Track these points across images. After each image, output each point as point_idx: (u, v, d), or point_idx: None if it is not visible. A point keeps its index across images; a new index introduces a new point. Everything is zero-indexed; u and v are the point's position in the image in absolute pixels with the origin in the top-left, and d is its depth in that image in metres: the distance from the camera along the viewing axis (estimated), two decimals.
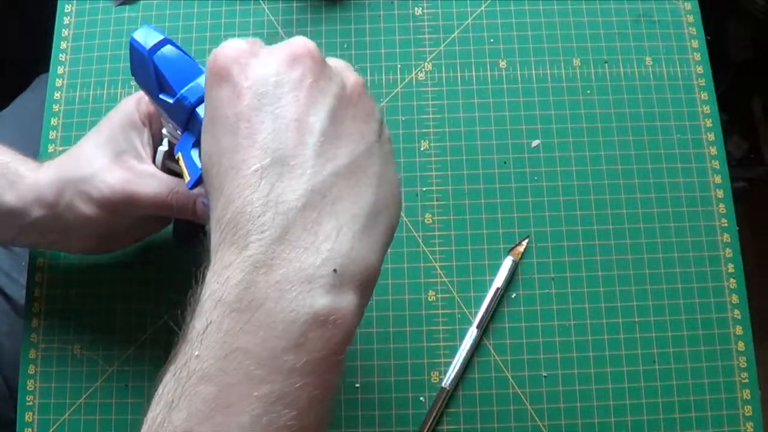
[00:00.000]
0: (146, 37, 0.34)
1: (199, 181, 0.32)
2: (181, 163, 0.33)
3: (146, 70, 0.34)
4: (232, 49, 0.30)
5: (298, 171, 0.27)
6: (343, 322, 0.26)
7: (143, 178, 0.40)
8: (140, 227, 0.46)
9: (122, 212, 0.41)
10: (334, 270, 0.26)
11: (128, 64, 0.56)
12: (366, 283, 0.28)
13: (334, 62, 0.31)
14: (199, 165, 0.32)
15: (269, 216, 0.26)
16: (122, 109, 0.43)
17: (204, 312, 0.26)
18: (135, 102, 0.43)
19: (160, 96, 0.34)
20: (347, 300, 0.26)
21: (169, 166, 0.41)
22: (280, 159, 0.27)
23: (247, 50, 0.30)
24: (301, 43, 0.30)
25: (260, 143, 0.27)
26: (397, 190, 0.31)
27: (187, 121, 0.33)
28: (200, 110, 0.33)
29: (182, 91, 0.33)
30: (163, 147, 0.41)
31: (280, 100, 0.28)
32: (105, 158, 0.41)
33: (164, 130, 0.40)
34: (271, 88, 0.28)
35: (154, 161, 0.42)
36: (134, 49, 0.34)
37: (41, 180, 0.41)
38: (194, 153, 0.32)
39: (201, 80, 0.33)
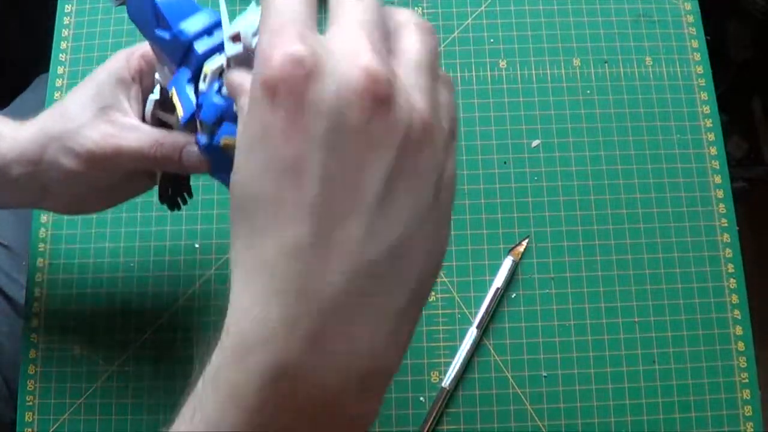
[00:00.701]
0: None
1: (192, 117, 0.32)
2: (175, 98, 0.32)
3: (143, 6, 0.34)
4: (299, 53, 0.22)
5: (342, 250, 0.22)
6: (366, 429, 0.24)
7: (127, 131, 0.39)
8: (126, 185, 0.43)
9: (106, 167, 0.39)
10: (363, 379, 0.22)
11: None
12: (387, 384, 0.24)
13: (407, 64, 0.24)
14: (193, 100, 0.32)
15: (298, 313, 0.21)
16: (110, 65, 0.41)
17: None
18: (125, 57, 0.41)
19: (157, 32, 0.33)
20: (373, 408, 0.24)
21: (159, 115, 0.39)
22: (324, 232, 0.21)
23: (321, 58, 0.22)
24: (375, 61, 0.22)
25: (308, 204, 0.21)
26: (441, 263, 0.26)
27: (183, 56, 0.33)
28: (197, 45, 0.32)
29: (179, 26, 0.32)
30: (154, 95, 0.39)
31: (345, 146, 0.22)
32: (89, 112, 0.39)
33: (156, 75, 0.39)
34: (341, 126, 0.21)
35: (143, 118, 0.41)
36: None
37: (23, 137, 0.40)
38: (189, 88, 0.32)
39: (199, 16, 0.33)
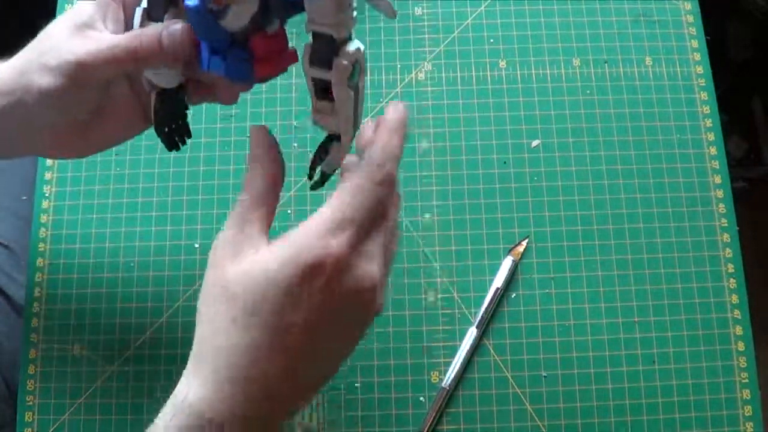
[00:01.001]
0: None
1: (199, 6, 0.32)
2: None
3: None
4: (340, 248, 0.30)
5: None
6: None
7: (101, 37, 0.37)
8: (110, 110, 0.41)
9: (83, 77, 0.37)
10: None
11: None
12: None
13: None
14: None
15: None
16: None
17: None
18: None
19: None
20: None
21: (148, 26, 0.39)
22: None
23: (353, 250, 0.31)
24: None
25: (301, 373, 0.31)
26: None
27: None
28: None
29: None
30: (142, 5, 0.38)
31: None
32: (65, 31, 0.38)
33: None
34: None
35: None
36: None
37: (1, 69, 0.39)
38: None
39: None
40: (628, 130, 0.55)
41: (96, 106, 0.40)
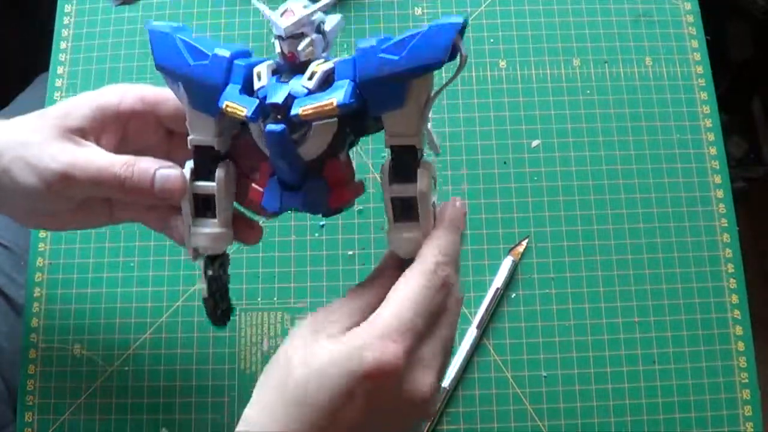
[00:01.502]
0: (161, 24, 0.35)
1: (259, 108, 0.31)
2: (231, 107, 0.32)
3: (172, 47, 0.34)
4: (396, 355, 0.30)
5: None
6: None
7: (91, 152, 0.35)
8: (85, 213, 0.39)
9: (66, 191, 0.35)
10: None
11: (128, 65, 0.57)
12: None
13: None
14: (255, 99, 0.32)
15: None
16: (98, 91, 0.38)
17: None
18: (120, 90, 0.38)
19: (193, 64, 0.33)
20: None
21: (195, 188, 0.36)
22: None
23: (409, 357, 0.31)
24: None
25: None
26: None
27: (227, 73, 0.33)
28: (238, 61, 0.33)
29: (215, 51, 0.33)
30: (189, 163, 0.36)
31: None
32: (54, 130, 0.35)
33: (189, 139, 0.35)
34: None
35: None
36: (156, 32, 0.34)
37: None
38: (244, 96, 0.32)
39: (223, 46, 0.34)
40: (628, 130, 0.55)
41: (74, 206, 0.38)
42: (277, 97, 0.31)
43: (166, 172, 0.35)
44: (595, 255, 0.52)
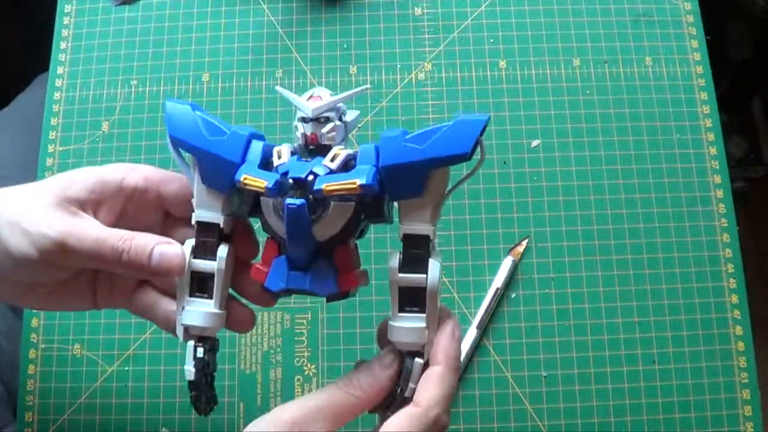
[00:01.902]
0: (178, 102, 0.35)
1: (278, 183, 0.32)
2: (250, 180, 0.32)
3: (189, 123, 0.34)
4: None
5: None
6: None
7: (89, 223, 0.34)
8: (67, 294, 0.38)
9: (59, 260, 0.34)
10: None
11: (128, 65, 0.57)
12: None
13: None
14: (276, 174, 0.32)
15: None
16: (102, 167, 0.37)
17: None
18: (125, 167, 0.37)
19: (210, 139, 0.34)
20: None
21: (196, 267, 0.35)
22: None
23: None
24: None
25: None
26: None
27: (245, 151, 0.33)
28: (254, 143, 0.34)
29: (233, 129, 0.34)
30: (190, 241, 0.35)
31: None
32: (51, 198, 0.34)
33: (195, 215, 0.35)
34: None
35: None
36: (174, 110, 0.35)
37: None
38: (262, 171, 0.32)
39: (240, 128, 0.34)
40: (628, 130, 0.55)
41: (66, 279, 0.37)
42: (300, 173, 0.32)
43: (165, 248, 0.34)
44: (595, 255, 0.52)
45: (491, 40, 0.57)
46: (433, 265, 0.33)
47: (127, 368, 0.51)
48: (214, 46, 0.57)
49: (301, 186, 0.32)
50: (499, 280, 0.51)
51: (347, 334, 0.51)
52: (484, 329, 0.51)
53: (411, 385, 0.33)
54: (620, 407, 0.49)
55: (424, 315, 0.33)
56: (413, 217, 0.33)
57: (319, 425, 0.32)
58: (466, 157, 0.32)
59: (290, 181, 0.32)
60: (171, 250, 0.34)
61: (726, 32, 1.10)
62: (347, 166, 0.33)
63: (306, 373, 0.51)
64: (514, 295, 0.52)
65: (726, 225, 0.53)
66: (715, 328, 0.51)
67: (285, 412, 0.32)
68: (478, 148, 0.32)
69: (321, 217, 0.33)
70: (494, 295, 0.51)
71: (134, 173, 0.37)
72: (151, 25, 0.58)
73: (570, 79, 0.56)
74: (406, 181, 0.32)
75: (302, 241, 0.33)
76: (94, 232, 0.34)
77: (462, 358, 0.50)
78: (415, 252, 0.33)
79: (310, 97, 0.34)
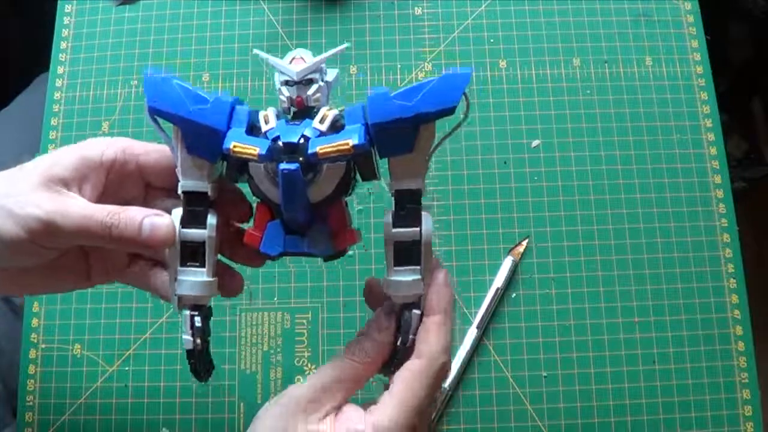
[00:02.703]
0: (156, 72, 0.35)
1: (270, 149, 0.31)
2: (239, 147, 0.32)
3: (170, 93, 0.34)
4: None
5: None
6: None
7: (76, 201, 0.34)
8: (61, 274, 0.38)
9: (48, 239, 0.34)
10: None
11: (128, 65, 0.57)
12: None
13: None
14: (267, 140, 0.32)
15: None
16: (81, 143, 0.37)
17: None
18: (104, 142, 0.37)
19: (192, 108, 0.33)
20: None
21: (185, 237, 0.35)
22: None
23: None
24: None
25: None
26: None
27: (229, 118, 0.33)
28: (240, 107, 0.34)
29: (217, 96, 0.34)
30: (177, 211, 0.35)
31: None
32: (36, 178, 0.34)
33: (180, 185, 0.35)
34: None
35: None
36: (152, 81, 0.34)
37: None
38: (251, 137, 0.33)
39: (223, 95, 0.34)
40: (628, 130, 0.55)
41: (55, 260, 0.37)
42: (293, 137, 0.32)
43: (155, 219, 0.34)
44: (595, 255, 0.52)
45: (491, 40, 0.57)
46: (426, 218, 0.34)
47: (127, 368, 0.51)
48: (214, 46, 0.57)
49: (294, 150, 0.32)
50: (499, 280, 0.51)
51: (347, 334, 0.51)
52: (484, 329, 0.51)
53: (411, 336, 0.34)
54: (620, 407, 0.49)
55: (419, 268, 0.34)
56: (404, 173, 0.33)
57: (333, 397, 0.33)
58: (454, 110, 0.32)
59: (281, 145, 0.32)
60: (160, 221, 0.34)
61: (726, 32, 1.10)
62: (336, 126, 0.33)
63: (306, 373, 0.51)
64: (514, 295, 0.52)
65: (726, 225, 0.53)
66: (716, 328, 0.51)
67: (299, 392, 0.33)
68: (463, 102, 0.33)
69: (314, 179, 0.33)
70: (494, 295, 0.51)
71: (113, 146, 0.37)
72: (151, 25, 0.58)
73: (570, 79, 0.56)
74: (396, 137, 0.32)
75: (298, 205, 0.33)
76: (81, 209, 0.34)
77: (462, 358, 0.50)
78: (408, 207, 0.34)
79: (293, 59, 0.33)
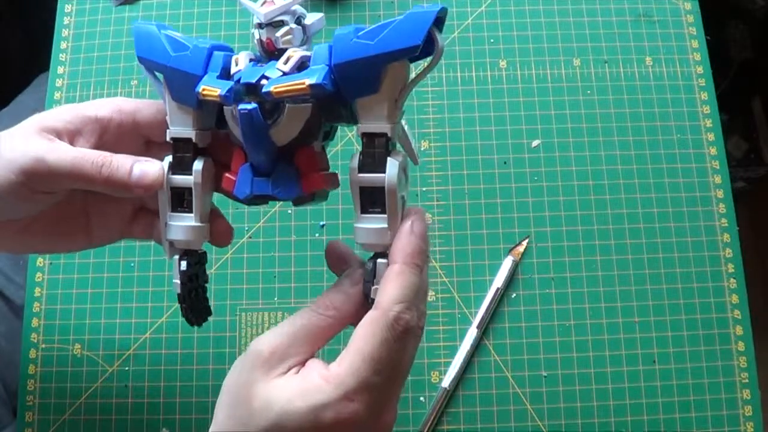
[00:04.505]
0: (144, 23, 0.36)
1: (231, 90, 0.32)
2: (208, 90, 0.32)
3: (155, 43, 0.35)
4: (356, 412, 0.31)
5: None
6: None
7: (67, 146, 0.35)
8: (61, 228, 0.39)
9: (41, 180, 0.34)
10: None
11: (128, 64, 0.57)
12: None
13: None
14: (231, 82, 0.32)
15: None
16: (80, 103, 0.38)
17: None
18: (99, 103, 0.38)
19: (173, 55, 0.34)
20: None
21: (173, 182, 0.36)
22: None
23: (370, 410, 0.31)
24: None
25: None
26: None
27: (206, 63, 0.34)
28: (217, 52, 0.34)
29: (195, 43, 0.34)
30: (168, 158, 0.36)
31: None
32: (30, 129, 0.35)
33: (169, 132, 0.36)
34: None
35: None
36: (141, 30, 0.36)
37: None
38: (219, 80, 0.33)
39: (202, 41, 0.35)
40: (628, 130, 0.55)
41: (38, 213, 0.37)
42: (251, 77, 0.32)
43: (144, 164, 0.35)
44: (595, 255, 0.52)
45: (491, 40, 0.57)
46: (391, 163, 0.32)
47: (127, 368, 0.51)
48: None
49: (254, 91, 0.32)
50: (499, 280, 0.51)
51: (347, 333, 0.51)
52: (484, 329, 0.51)
53: (374, 286, 0.33)
54: (620, 407, 0.49)
55: (385, 216, 0.33)
56: (371, 115, 0.32)
57: (297, 351, 0.32)
58: (417, 49, 0.31)
59: (242, 87, 0.32)
60: (150, 166, 0.35)
61: (726, 32, 1.10)
62: (302, 67, 0.32)
63: None
64: (514, 295, 0.52)
65: (726, 225, 0.53)
66: (716, 328, 0.51)
67: (261, 344, 0.32)
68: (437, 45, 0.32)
69: (277, 121, 0.32)
70: (494, 295, 0.51)
71: (108, 105, 0.37)
72: None
73: (570, 79, 0.56)
74: (360, 78, 0.31)
75: (260, 146, 0.33)
76: (73, 151, 0.35)
77: (462, 358, 0.50)
78: (373, 152, 0.32)
79: (264, 2, 0.33)
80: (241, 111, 0.32)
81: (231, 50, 0.35)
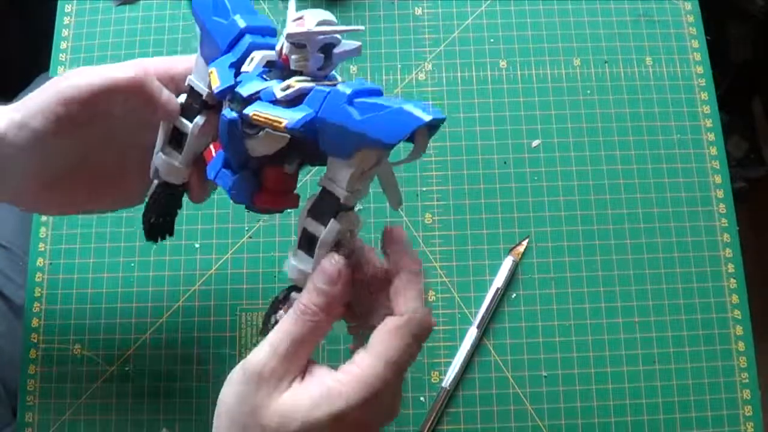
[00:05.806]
0: None
1: (226, 91, 0.33)
2: (214, 75, 0.34)
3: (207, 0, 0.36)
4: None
5: None
6: None
7: (92, 67, 0.37)
8: (97, 174, 0.40)
9: (78, 95, 0.35)
10: None
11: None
12: None
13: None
14: (232, 80, 0.34)
15: None
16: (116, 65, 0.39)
17: None
18: (130, 63, 0.38)
19: (213, 17, 0.35)
20: None
21: (176, 122, 0.38)
22: None
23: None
24: None
25: None
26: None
27: (232, 44, 0.35)
28: (248, 36, 0.35)
29: (234, 16, 0.35)
30: (182, 97, 0.38)
31: None
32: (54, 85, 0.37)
33: (188, 78, 0.38)
34: None
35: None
36: None
37: None
38: (230, 71, 0.34)
39: (254, 16, 0.36)
40: (628, 130, 0.55)
41: (80, 160, 0.39)
42: (246, 90, 0.33)
43: (170, 94, 0.38)
44: (595, 255, 0.52)
45: (491, 40, 0.57)
46: (332, 225, 0.33)
47: (127, 368, 0.51)
48: None
49: (243, 102, 0.33)
50: (499, 280, 0.51)
51: (347, 334, 0.51)
52: (484, 329, 0.51)
53: (274, 318, 0.35)
54: (620, 407, 0.49)
55: (312, 260, 0.34)
56: (333, 175, 0.33)
57: (295, 364, 0.33)
58: (390, 147, 0.30)
59: (236, 92, 0.33)
60: (173, 97, 0.38)
61: (726, 32, 1.10)
62: (299, 99, 0.32)
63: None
64: (514, 295, 0.52)
65: (726, 225, 0.53)
66: (716, 328, 0.51)
67: (257, 365, 0.32)
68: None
69: (255, 136, 0.33)
70: (494, 295, 0.51)
71: (140, 66, 0.38)
72: (151, 25, 0.58)
73: (570, 79, 0.56)
74: (337, 140, 0.32)
75: (234, 150, 0.34)
76: (108, 67, 0.37)
77: (462, 358, 0.50)
78: (324, 206, 0.34)
79: (299, 18, 0.33)
80: (222, 116, 0.33)
81: (270, 31, 0.36)
